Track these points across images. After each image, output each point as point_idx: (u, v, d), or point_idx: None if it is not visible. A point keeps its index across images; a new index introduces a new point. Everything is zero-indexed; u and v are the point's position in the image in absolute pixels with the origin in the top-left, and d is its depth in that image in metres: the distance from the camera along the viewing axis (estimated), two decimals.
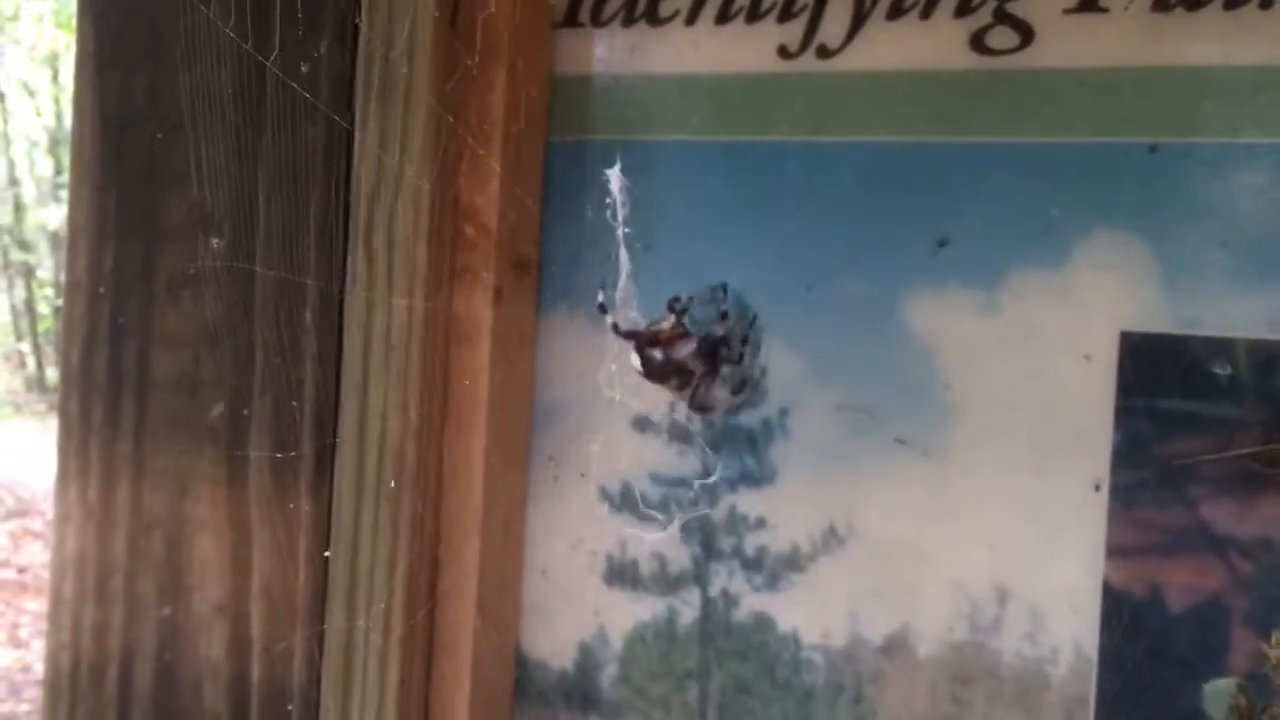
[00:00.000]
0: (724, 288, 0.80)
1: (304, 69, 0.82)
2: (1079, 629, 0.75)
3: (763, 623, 0.82)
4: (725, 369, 0.78)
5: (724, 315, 0.79)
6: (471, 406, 0.82)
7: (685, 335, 0.77)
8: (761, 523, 0.82)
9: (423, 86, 0.79)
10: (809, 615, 0.81)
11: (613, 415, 0.85)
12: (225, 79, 0.83)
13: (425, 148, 0.79)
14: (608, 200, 0.74)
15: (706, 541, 0.83)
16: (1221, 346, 0.71)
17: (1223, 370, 0.71)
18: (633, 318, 0.77)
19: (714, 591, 0.83)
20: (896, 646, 0.79)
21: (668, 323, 0.77)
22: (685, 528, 0.83)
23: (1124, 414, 0.73)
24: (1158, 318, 0.73)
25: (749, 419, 0.82)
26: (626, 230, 0.74)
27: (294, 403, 0.82)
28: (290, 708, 0.84)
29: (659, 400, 0.84)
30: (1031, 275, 0.76)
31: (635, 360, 0.77)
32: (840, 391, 0.80)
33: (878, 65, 0.79)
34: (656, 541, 0.84)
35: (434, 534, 0.82)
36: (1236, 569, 0.71)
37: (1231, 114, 0.71)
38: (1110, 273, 0.74)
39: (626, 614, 0.85)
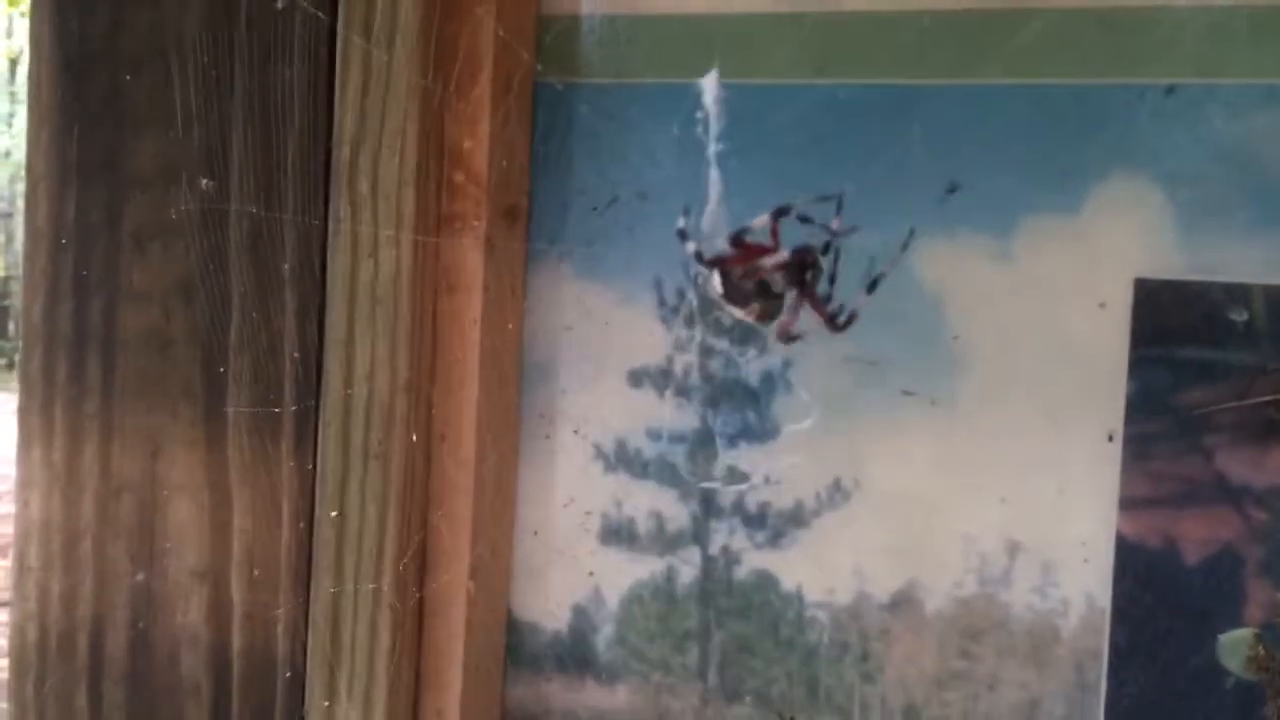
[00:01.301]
0: (840, 198, 0.72)
1: (278, 3, 0.77)
2: (1091, 582, 0.73)
3: (765, 581, 0.80)
4: (822, 290, 0.71)
5: (831, 233, 0.71)
6: (462, 361, 0.79)
7: (771, 249, 0.70)
8: (764, 479, 0.79)
9: (410, 24, 0.75)
10: (813, 572, 0.79)
11: (606, 369, 0.82)
12: (192, 16, 0.78)
13: (410, 90, 0.75)
14: (698, 114, 0.70)
15: (706, 498, 0.81)
16: (1238, 293, 0.70)
17: (1239, 317, 0.70)
18: (719, 248, 0.72)
19: (714, 549, 0.81)
20: (904, 602, 0.77)
21: (761, 224, 0.70)
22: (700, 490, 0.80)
23: (1138, 363, 0.72)
24: (1173, 264, 0.71)
25: (750, 371, 0.80)
26: (719, 147, 0.70)
27: (274, 359, 0.78)
28: (275, 677, 0.80)
29: (655, 353, 0.81)
30: (1044, 221, 0.74)
31: (715, 282, 0.72)
32: (845, 343, 0.77)
33: (884, 5, 0.76)
34: (654, 499, 0.82)
35: (424, 495, 0.79)
36: (1252, 519, 0.70)
37: (1252, 54, 0.70)
38: (1125, 218, 0.72)
39: (623, 574, 0.83)
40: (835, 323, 0.72)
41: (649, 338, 0.81)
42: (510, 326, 0.82)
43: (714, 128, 0.69)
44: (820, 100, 0.77)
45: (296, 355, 0.78)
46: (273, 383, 0.78)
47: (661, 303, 0.81)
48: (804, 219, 0.70)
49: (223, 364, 0.79)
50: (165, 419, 0.81)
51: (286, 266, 0.78)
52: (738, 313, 0.70)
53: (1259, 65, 0.70)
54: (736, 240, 0.68)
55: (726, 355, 0.80)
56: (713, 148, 0.69)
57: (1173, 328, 0.71)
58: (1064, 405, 0.73)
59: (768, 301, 0.69)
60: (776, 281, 0.69)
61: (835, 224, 0.69)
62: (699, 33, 0.80)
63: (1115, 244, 0.72)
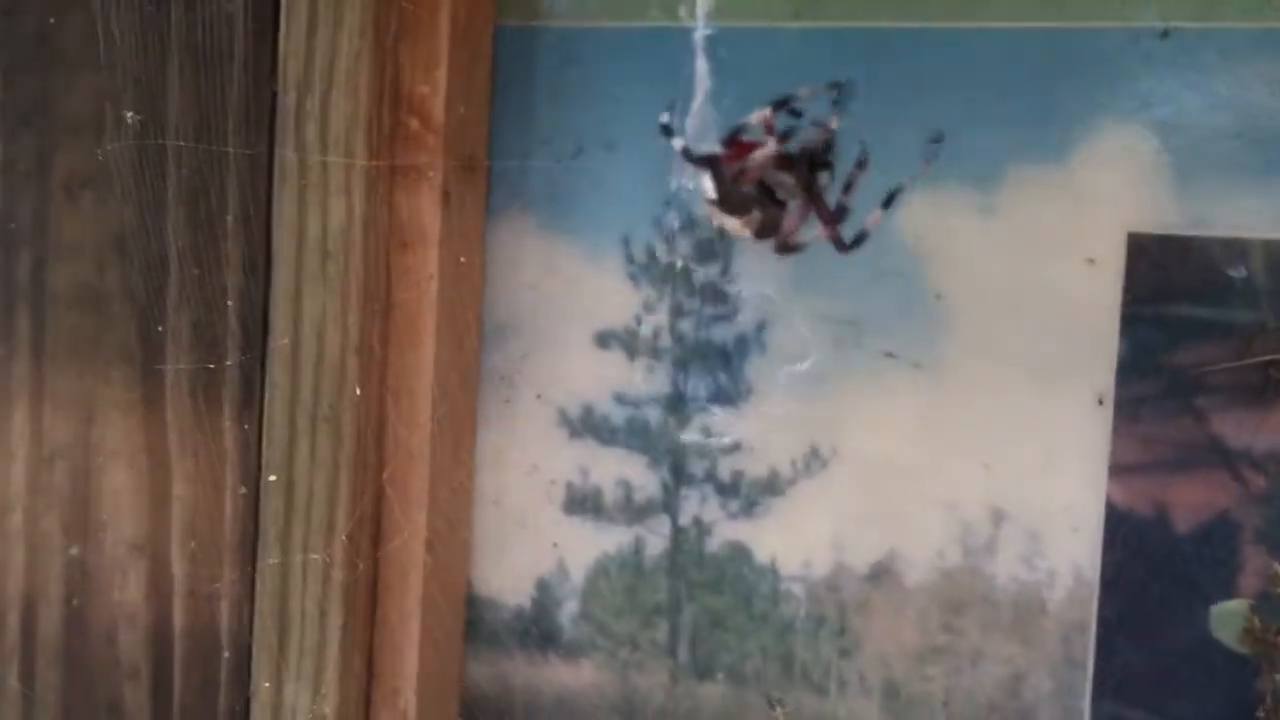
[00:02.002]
0: (839, 87, 0.62)
1: None
2: (1079, 551, 0.70)
3: (738, 552, 0.76)
4: (827, 188, 0.60)
5: (831, 126, 0.60)
6: (417, 320, 0.74)
7: (774, 144, 0.58)
8: (737, 445, 0.76)
9: None
10: (788, 543, 0.75)
11: (571, 330, 0.78)
12: None
13: (363, 27, 0.70)
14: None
15: (676, 466, 0.77)
16: (1236, 247, 0.66)
17: (1237, 273, 0.67)
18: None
19: (685, 520, 0.77)
20: (883, 574, 0.73)
21: (759, 119, 0.59)
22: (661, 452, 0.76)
23: (1130, 321, 0.68)
24: (1167, 217, 0.68)
25: (721, 333, 0.76)
26: (707, 32, 0.62)
27: (216, 317, 0.73)
28: (218, 656, 0.76)
29: (623, 313, 0.77)
30: (1031, 172, 0.70)
31: (707, 185, 0.60)
32: (822, 302, 0.73)
33: None
34: (621, 466, 0.77)
35: (377, 461, 0.74)
36: (1248, 484, 0.67)
37: None
38: (1116, 169, 0.69)
39: (588, 545, 0.78)
40: (842, 241, 0.61)
41: (617, 297, 0.77)
42: (469, 284, 0.77)
43: (701, 6, 0.62)
44: (797, 43, 0.73)
45: (240, 313, 0.73)
46: (215, 342, 0.74)
47: (630, 260, 0.77)
48: (804, 118, 0.60)
49: (160, 322, 0.74)
50: (99, 381, 0.76)
51: (229, 218, 0.73)
52: (731, 224, 0.59)
53: (1258, 8, 0.66)
54: (731, 140, 0.59)
55: (698, 315, 0.76)
56: (700, 31, 0.61)
57: (1166, 284, 0.68)
58: (1052, 367, 0.70)
59: (768, 210, 0.59)
60: (782, 183, 0.58)
61: (833, 122, 0.60)
62: None
63: (1106, 196, 0.69)
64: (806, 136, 0.58)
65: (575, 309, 0.78)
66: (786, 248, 0.61)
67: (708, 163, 0.59)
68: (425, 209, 0.73)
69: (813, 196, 0.58)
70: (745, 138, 0.58)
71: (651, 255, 0.77)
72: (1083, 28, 0.69)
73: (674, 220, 0.66)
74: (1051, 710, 0.71)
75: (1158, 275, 0.68)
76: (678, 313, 0.76)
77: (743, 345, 0.75)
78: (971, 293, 0.71)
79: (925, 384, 0.72)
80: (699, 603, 0.77)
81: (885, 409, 0.73)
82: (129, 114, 0.68)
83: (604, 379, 0.78)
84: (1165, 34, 0.67)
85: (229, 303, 0.73)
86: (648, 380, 0.77)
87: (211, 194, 0.73)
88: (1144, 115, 0.68)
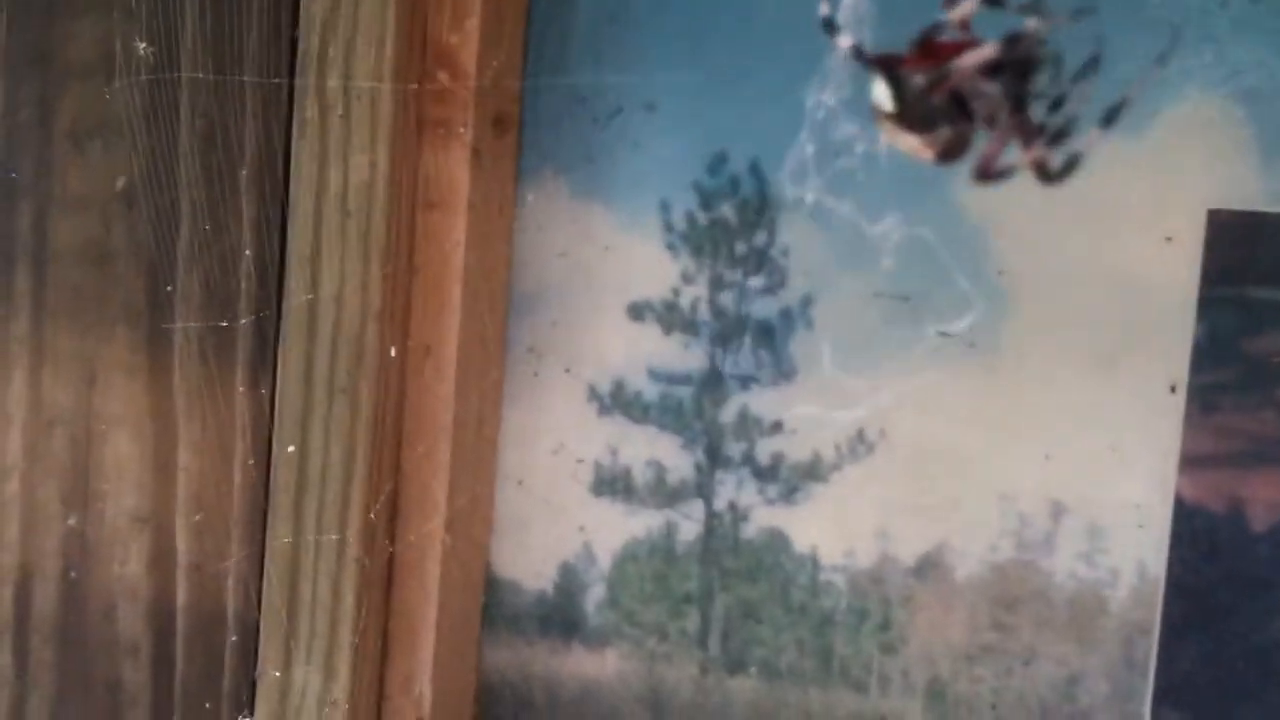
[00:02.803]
0: None
1: None
2: (1144, 548, 0.66)
3: (776, 540, 0.72)
4: (1039, 115, 0.46)
5: (1039, 6, 0.46)
6: (442, 286, 0.70)
7: (974, 42, 0.45)
8: (778, 426, 0.71)
9: None
10: (830, 532, 0.71)
11: (604, 300, 0.74)
12: None
13: None
14: None
15: (712, 447, 0.72)
16: None
17: None
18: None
19: (720, 504, 0.72)
20: (931, 567, 0.69)
21: (961, 15, 0.44)
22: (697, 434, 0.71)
23: (1208, 304, 0.64)
24: (1250, 193, 0.63)
25: (764, 307, 0.71)
26: None
27: (228, 276, 0.69)
28: (223, 635, 0.71)
29: (660, 284, 0.72)
30: (1107, 142, 0.65)
31: (882, 94, 0.47)
32: (874, 275, 0.69)
33: None
34: (653, 446, 0.73)
35: (396, 435, 0.70)
36: None
37: None
38: (1196, 141, 0.64)
39: (617, 529, 0.74)
40: (1048, 168, 0.48)
41: (653, 266, 0.72)
42: (497, 249, 0.73)
43: None
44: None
45: (254, 273, 0.68)
46: (227, 303, 0.69)
47: (668, 228, 0.72)
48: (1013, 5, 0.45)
49: (169, 281, 0.70)
50: (103, 343, 0.72)
51: (244, 172, 0.68)
52: (909, 142, 0.46)
53: None
54: (925, 42, 0.46)
55: (740, 288, 0.71)
56: None
57: (1248, 265, 0.63)
58: (1121, 351, 0.65)
59: (959, 125, 0.46)
60: (984, 93, 0.45)
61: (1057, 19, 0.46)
62: None
63: (1185, 170, 0.64)
64: (1021, 33, 0.45)
65: (608, 278, 0.73)
66: (989, 174, 0.48)
67: (885, 65, 0.46)
68: (454, 168, 0.69)
69: (1019, 110, 0.46)
70: (942, 38, 0.46)
71: (691, 222, 0.72)
72: None
73: (808, 147, 0.60)
74: (1108, 715, 0.67)
75: (1239, 255, 0.63)
76: (718, 284, 0.72)
77: (787, 320, 0.71)
78: (1037, 270, 0.66)
79: (982, 366, 0.68)
80: (732, 592, 0.72)
81: (938, 392, 0.68)
82: (141, 45, 0.63)
83: (637, 353, 0.73)
84: None
85: (242, 262, 0.68)
86: (684, 355, 0.72)
87: (227, 143, 0.68)
88: (1230, 85, 0.63)
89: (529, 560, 0.76)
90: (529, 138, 0.74)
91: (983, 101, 0.46)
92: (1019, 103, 0.46)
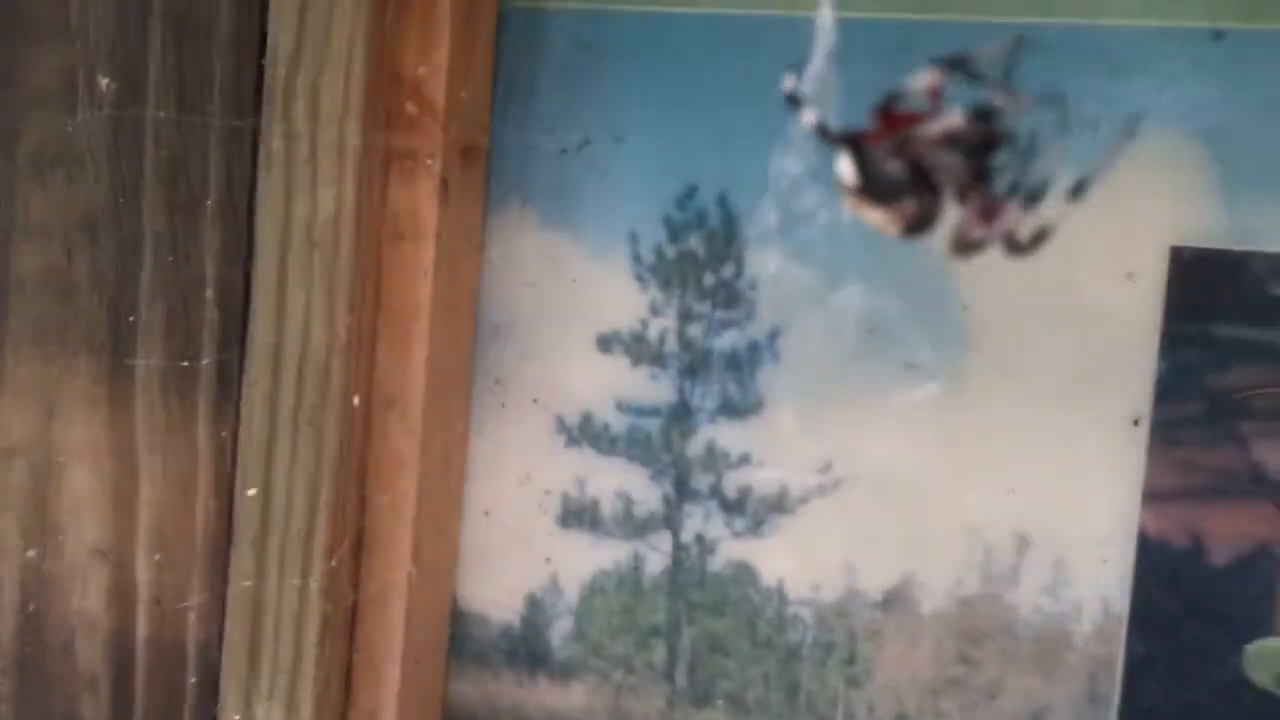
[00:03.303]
0: (1018, 41, 0.47)
1: None
2: (1108, 582, 0.66)
3: (743, 573, 0.72)
4: (1004, 176, 0.46)
5: (1004, 86, 0.46)
6: (409, 318, 0.69)
7: (959, 114, 0.45)
8: (745, 459, 0.71)
9: None
10: (797, 565, 0.71)
11: (571, 332, 0.73)
12: None
13: (360, 1, 0.65)
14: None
15: (680, 479, 0.72)
16: None
17: None
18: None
19: (687, 536, 0.72)
20: (898, 600, 0.69)
21: (924, 84, 0.44)
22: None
23: (1170, 340, 0.64)
24: (1213, 231, 0.64)
25: (732, 340, 0.71)
26: None
27: (192, 308, 0.68)
28: (184, 669, 0.71)
29: (628, 315, 0.72)
30: (1073, 212, 0.66)
31: (846, 169, 0.47)
32: (841, 309, 0.69)
33: None
34: (621, 478, 0.73)
35: (362, 468, 0.69)
36: None
37: None
38: (1161, 178, 0.65)
39: (584, 561, 0.74)
40: (1017, 240, 0.47)
41: (621, 298, 0.72)
42: (465, 280, 0.73)
43: None
44: (814, 37, 0.69)
45: (218, 305, 0.68)
46: (190, 336, 0.68)
47: (637, 259, 0.72)
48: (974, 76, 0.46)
49: (132, 313, 0.69)
50: (63, 373, 0.71)
51: (209, 202, 0.68)
52: (876, 216, 0.46)
53: None
54: (884, 111, 0.45)
55: (708, 320, 0.71)
56: None
57: (1210, 302, 0.64)
58: (1085, 385, 0.66)
59: (924, 198, 0.45)
60: (946, 165, 0.45)
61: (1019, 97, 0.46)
62: None
63: (1149, 207, 0.65)
64: (983, 103, 0.45)
65: (577, 310, 0.73)
66: (970, 245, 0.47)
67: (850, 141, 0.46)
68: (422, 199, 0.69)
69: (982, 182, 0.46)
70: (901, 108, 0.46)
71: (660, 254, 0.72)
72: (1128, 26, 0.65)
73: (771, 215, 0.59)
74: None
75: (1201, 292, 0.64)
76: (686, 316, 0.72)
77: (755, 353, 0.71)
78: (1001, 305, 0.67)
79: (948, 399, 0.68)
80: (699, 625, 0.72)
81: (905, 425, 0.68)
82: (104, 80, 0.63)
83: (605, 385, 0.73)
84: (1218, 35, 0.63)
85: (207, 294, 0.68)
86: (652, 387, 0.72)
87: (191, 174, 0.67)
88: (1192, 121, 0.64)
89: (495, 592, 0.75)
90: (498, 168, 0.74)
91: (946, 174, 0.45)
92: (982, 176, 0.46)
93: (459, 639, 0.76)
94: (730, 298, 0.71)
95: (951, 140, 0.44)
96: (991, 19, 0.67)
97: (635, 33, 0.71)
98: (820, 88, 0.47)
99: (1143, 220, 0.65)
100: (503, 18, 0.73)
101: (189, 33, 0.67)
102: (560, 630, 0.74)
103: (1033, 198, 0.46)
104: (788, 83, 0.48)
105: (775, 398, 0.71)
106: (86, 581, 0.72)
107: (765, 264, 0.68)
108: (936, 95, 0.45)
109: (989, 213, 0.45)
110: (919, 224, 0.46)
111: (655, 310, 0.72)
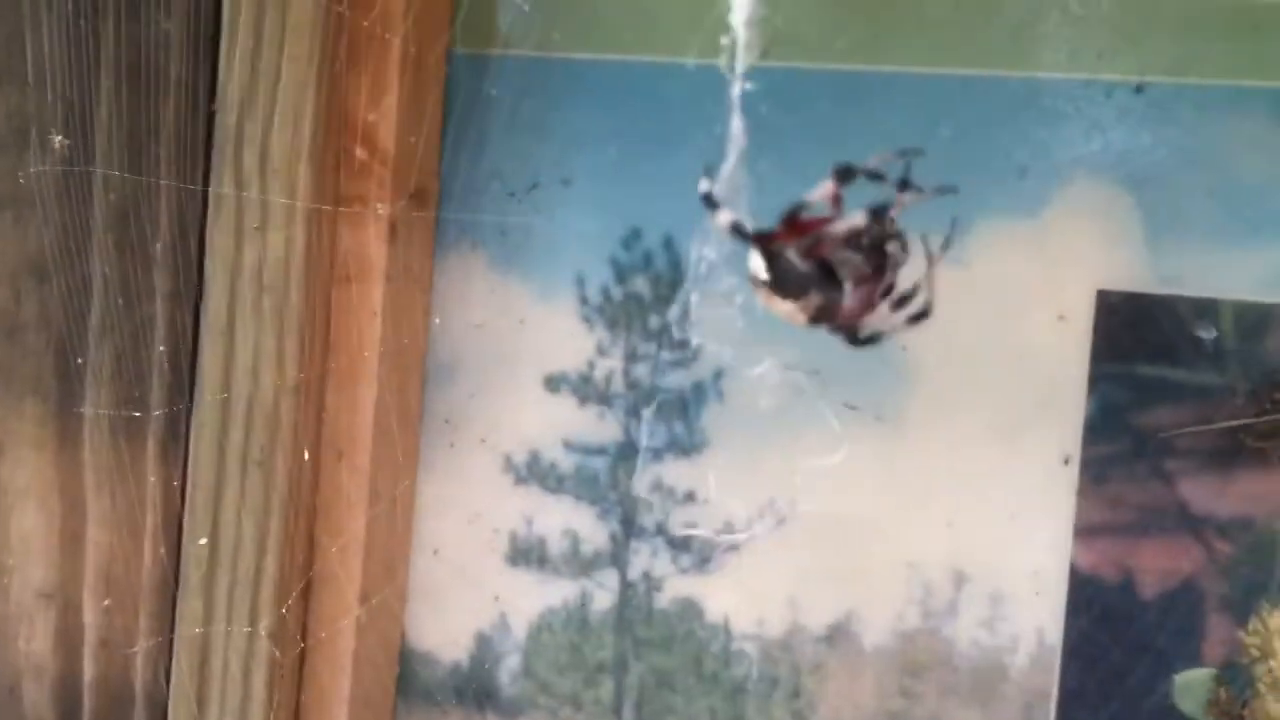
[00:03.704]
0: (907, 154, 0.53)
1: None
2: (1042, 615, 0.68)
3: (689, 609, 0.73)
4: (900, 273, 0.51)
5: (904, 186, 0.52)
6: (358, 359, 0.70)
7: (862, 215, 0.50)
8: (690, 497, 0.72)
9: None
10: (742, 601, 0.72)
11: (520, 372, 0.75)
12: None
13: (308, 48, 0.66)
14: (724, 40, 0.52)
15: (626, 517, 0.73)
16: (1206, 308, 0.65)
17: (1207, 334, 0.65)
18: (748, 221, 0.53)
19: (634, 574, 0.73)
20: (840, 635, 0.71)
21: (822, 194, 0.50)
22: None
23: (1098, 380, 0.67)
24: (1138, 275, 0.66)
25: (677, 380, 0.73)
26: (748, 86, 0.51)
27: (140, 350, 0.69)
28: (131, 712, 0.71)
29: (575, 356, 0.74)
30: (1001, 226, 0.68)
31: (758, 265, 0.52)
32: (783, 350, 0.71)
33: None
34: (569, 516, 0.74)
35: (310, 508, 0.70)
36: (1214, 551, 0.65)
37: (1227, 53, 0.65)
38: (1088, 225, 0.67)
39: (532, 599, 0.75)
40: (856, 333, 0.54)
41: (569, 339, 0.74)
42: (414, 321, 0.74)
43: (742, 59, 0.52)
44: (758, 84, 0.71)
45: (166, 347, 0.68)
46: (138, 378, 0.69)
47: (584, 301, 0.74)
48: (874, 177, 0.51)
49: (80, 354, 0.69)
50: (10, 415, 0.71)
51: (158, 245, 0.69)
52: (785, 308, 0.51)
53: (1233, 65, 0.65)
54: (790, 220, 0.51)
55: (654, 361, 0.73)
56: (738, 88, 0.52)
57: (1136, 344, 0.66)
58: (1018, 424, 0.68)
59: (828, 292, 0.50)
60: (847, 261, 0.50)
61: (907, 194, 0.51)
62: (630, 4, 0.73)
63: (1077, 252, 0.67)
64: (883, 205, 0.51)
65: (525, 350, 0.74)
66: (863, 338, 0.53)
67: (761, 240, 0.51)
68: (371, 242, 0.70)
69: (880, 275, 0.52)
70: (806, 216, 0.51)
71: (606, 296, 0.73)
72: (1055, 78, 0.67)
73: (692, 296, 0.61)
74: None
75: (1127, 334, 0.66)
76: (632, 357, 0.73)
77: (699, 393, 0.72)
78: (938, 345, 0.69)
79: (888, 438, 0.70)
80: (646, 661, 0.73)
81: (846, 463, 0.70)
82: (57, 138, 0.63)
83: (553, 424, 0.74)
84: (1140, 88, 0.66)
85: (155, 335, 0.68)
86: (599, 427, 0.74)
87: (141, 219, 0.68)
88: (1117, 170, 0.66)
89: (444, 630, 0.76)
90: (446, 211, 0.75)
91: (848, 268, 0.50)
92: (881, 268, 0.51)
93: (408, 678, 0.76)
94: (675, 339, 0.72)
95: (853, 238, 0.49)
96: (925, 70, 0.69)
97: (581, 79, 0.73)
98: (732, 186, 0.51)
99: (1072, 264, 0.67)
100: (451, 64, 0.74)
101: (141, 83, 0.67)
102: (509, 668, 0.75)
103: (902, 301, 0.52)
104: (702, 184, 0.52)
105: (719, 436, 0.72)
106: (33, 624, 0.72)
107: (708, 307, 0.70)
108: (838, 201, 0.51)
109: (882, 298, 0.50)
110: (824, 315, 0.52)
111: (602, 351, 0.73)
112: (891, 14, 0.69)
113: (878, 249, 0.51)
